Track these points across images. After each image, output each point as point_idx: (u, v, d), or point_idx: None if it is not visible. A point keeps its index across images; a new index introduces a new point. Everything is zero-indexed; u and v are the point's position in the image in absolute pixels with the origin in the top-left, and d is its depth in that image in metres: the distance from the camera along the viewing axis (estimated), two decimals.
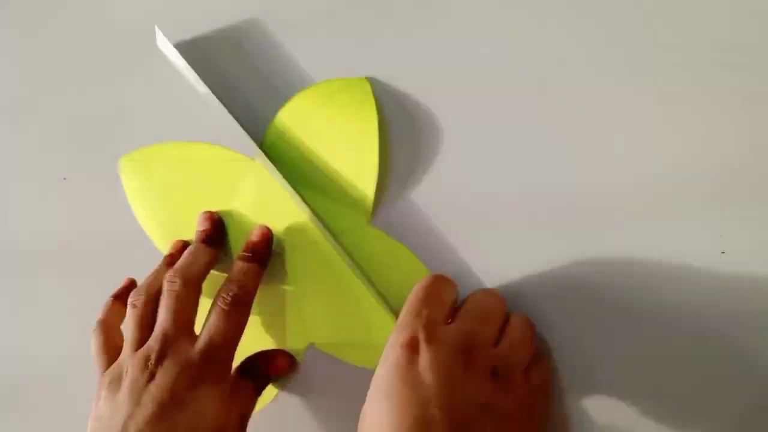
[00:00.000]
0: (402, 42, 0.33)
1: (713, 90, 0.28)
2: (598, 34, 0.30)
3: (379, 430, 0.25)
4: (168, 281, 0.32)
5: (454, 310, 0.29)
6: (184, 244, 0.35)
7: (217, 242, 0.35)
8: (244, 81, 0.36)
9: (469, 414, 0.25)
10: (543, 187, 0.30)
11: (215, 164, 0.36)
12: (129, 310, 0.32)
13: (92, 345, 0.33)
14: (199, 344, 0.30)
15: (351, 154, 0.33)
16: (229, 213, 0.35)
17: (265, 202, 0.35)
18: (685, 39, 0.28)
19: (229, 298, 0.31)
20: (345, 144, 0.34)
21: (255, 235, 0.34)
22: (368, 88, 0.33)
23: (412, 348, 0.26)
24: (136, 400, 0.28)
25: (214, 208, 0.36)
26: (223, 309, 0.31)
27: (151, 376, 0.28)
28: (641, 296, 0.29)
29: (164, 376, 0.28)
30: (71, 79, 0.40)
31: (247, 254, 0.33)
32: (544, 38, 0.30)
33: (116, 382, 0.29)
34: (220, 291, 0.31)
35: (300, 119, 0.35)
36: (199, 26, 0.38)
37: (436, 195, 0.32)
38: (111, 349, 0.32)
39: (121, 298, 0.34)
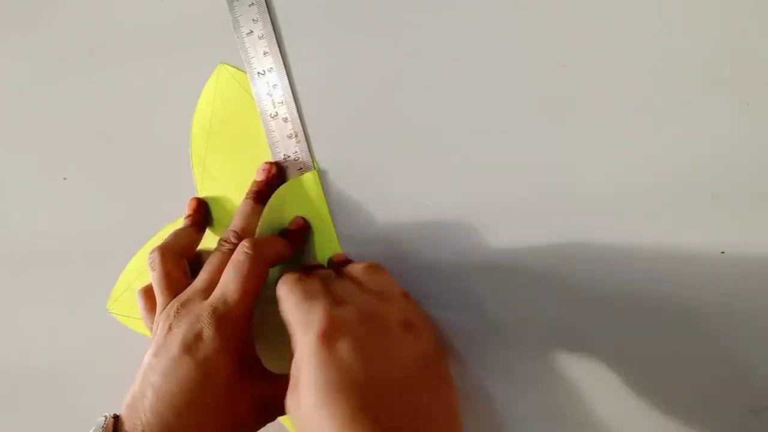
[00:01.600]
0: (399, 41, 0.34)
1: (713, 90, 0.28)
2: (598, 34, 0.30)
3: (326, 421, 0.24)
4: (221, 241, 0.33)
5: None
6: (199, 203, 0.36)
7: (266, 200, 0.35)
8: None
9: (403, 371, 0.26)
10: (542, 186, 0.30)
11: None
12: (150, 272, 0.34)
13: (139, 309, 0.35)
14: (210, 297, 0.30)
15: None
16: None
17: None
18: (685, 39, 0.28)
19: (245, 255, 0.31)
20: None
21: (292, 224, 0.34)
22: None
23: (325, 340, 0.26)
24: (156, 352, 0.29)
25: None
26: (239, 263, 0.31)
27: (170, 328, 0.30)
28: (641, 296, 0.29)
29: (178, 327, 0.29)
30: (71, 79, 0.40)
31: (255, 196, 0.34)
32: (544, 38, 0.30)
33: (153, 335, 0.31)
34: (243, 242, 0.31)
35: None
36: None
37: (426, 191, 0.32)
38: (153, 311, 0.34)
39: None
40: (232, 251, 0.32)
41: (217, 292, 0.30)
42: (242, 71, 0.35)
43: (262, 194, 0.34)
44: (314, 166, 0.34)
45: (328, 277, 0.30)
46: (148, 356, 0.30)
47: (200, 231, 0.36)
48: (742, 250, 0.27)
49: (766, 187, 0.27)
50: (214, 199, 0.37)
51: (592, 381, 0.30)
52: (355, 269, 0.30)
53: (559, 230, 0.30)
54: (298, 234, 0.34)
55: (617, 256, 0.29)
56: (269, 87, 0.35)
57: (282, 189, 0.35)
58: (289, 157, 0.35)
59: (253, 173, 0.35)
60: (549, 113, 0.30)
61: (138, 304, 0.34)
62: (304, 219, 0.35)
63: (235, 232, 0.33)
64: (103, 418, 0.29)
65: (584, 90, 0.30)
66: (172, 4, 0.38)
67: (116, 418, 0.29)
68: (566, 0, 0.30)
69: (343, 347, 0.25)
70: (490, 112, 0.31)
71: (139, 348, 0.35)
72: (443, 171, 0.32)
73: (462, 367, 0.32)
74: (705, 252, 0.28)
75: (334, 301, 0.28)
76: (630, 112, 0.29)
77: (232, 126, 0.36)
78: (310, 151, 0.34)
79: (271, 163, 0.35)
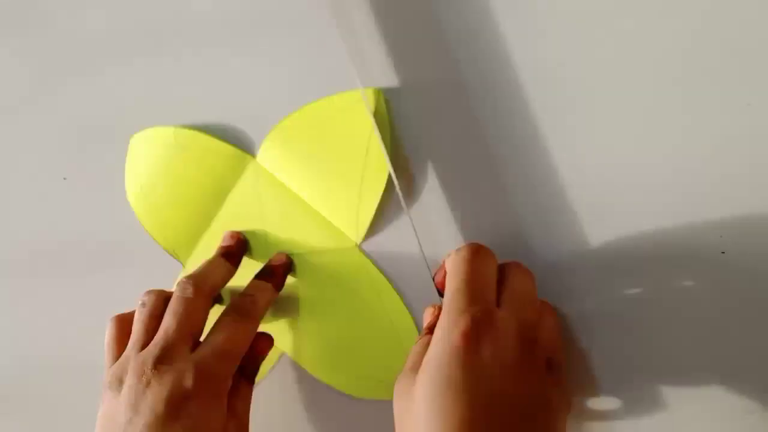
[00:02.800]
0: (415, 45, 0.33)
1: (714, 90, 0.28)
2: (598, 34, 0.30)
3: (438, 417, 0.23)
4: (180, 286, 0.31)
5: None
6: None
7: (237, 260, 0.34)
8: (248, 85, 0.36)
9: (533, 408, 0.24)
10: (542, 186, 0.30)
11: (218, 158, 0.36)
12: (138, 308, 0.32)
13: (106, 335, 0.33)
14: (198, 354, 0.29)
15: (356, 174, 0.32)
16: (253, 233, 0.35)
17: (261, 202, 0.35)
18: (685, 39, 0.28)
19: (237, 311, 0.31)
20: (347, 161, 0.33)
21: (274, 260, 0.34)
22: (369, 106, 0.32)
23: (472, 337, 0.24)
24: (135, 407, 0.28)
25: (209, 201, 0.36)
26: (228, 320, 0.30)
27: (148, 383, 0.28)
28: (640, 296, 0.29)
29: (159, 384, 0.28)
30: (71, 79, 0.40)
31: (265, 274, 0.33)
32: (545, 38, 0.30)
33: (118, 382, 0.29)
34: (230, 303, 0.31)
35: (298, 133, 0.34)
36: None
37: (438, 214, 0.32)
38: (122, 344, 0.32)
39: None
40: (198, 297, 0.31)
41: (204, 349, 0.29)
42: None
43: (230, 250, 0.34)
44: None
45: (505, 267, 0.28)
46: (123, 404, 0.28)
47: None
48: (742, 250, 0.27)
49: (767, 186, 0.27)
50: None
51: (592, 381, 0.30)
52: (514, 266, 0.28)
53: (559, 230, 0.30)
54: (281, 270, 0.34)
55: (617, 255, 0.29)
56: None
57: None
58: None
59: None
60: (548, 113, 0.30)
61: (108, 328, 0.33)
62: (286, 255, 0.34)
63: (196, 277, 0.32)
64: None
65: (584, 90, 0.30)
66: (173, 3, 0.38)
67: None
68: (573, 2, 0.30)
69: (487, 352, 0.24)
70: (494, 115, 0.31)
71: None
72: (461, 161, 0.32)
73: None
74: (705, 252, 0.28)
75: (500, 300, 0.26)
76: (630, 111, 0.29)
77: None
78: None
79: (237, 233, 0.35)
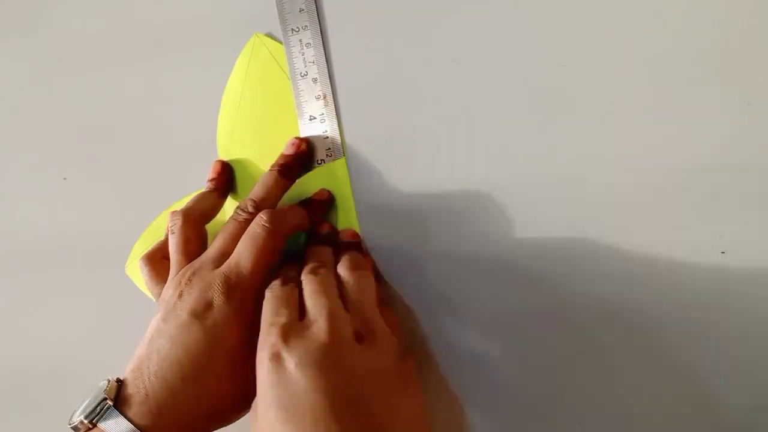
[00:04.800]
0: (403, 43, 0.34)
1: (713, 90, 0.28)
2: (597, 34, 0.30)
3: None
4: (237, 210, 0.32)
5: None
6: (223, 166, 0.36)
7: (292, 175, 0.34)
8: None
9: (355, 386, 0.26)
10: (542, 186, 0.30)
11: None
12: (169, 236, 0.33)
13: (143, 277, 0.34)
14: (223, 266, 0.30)
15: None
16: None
17: None
18: (685, 39, 0.28)
19: (261, 227, 0.31)
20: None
21: (288, 148, 0.34)
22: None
23: (277, 359, 0.26)
24: (165, 318, 0.29)
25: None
26: (255, 236, 0.31)
27: (180, 295, 0.30)
28: (641, 296, 0.29)
29: (188, 294, 0.29)
30: (72, 78, 0.40)
31: (280, 169, 0.34)
32: (545, 38, 0.30)
33: (161, 301, 0.31)
34: (258, 215, 0.32)
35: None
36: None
37: (424, 184, 0.32)
38: (161, 277, 0.34)
39: None
40: (248, 221, 0.32)
41: (230, 261, 0.30)
42: (278, 42, 0.35)
43: (288, 168, 0.34)
44: (343, 151, 0.34)
45: (311, 281, 0.30)
46: (155, 321, 0.30)
47: (223, 196, 0.36)
48: (742, 250, 0.27)
49: (766, 187, 0.27)
50: (238, 163, 0.36)
51: (592, 381, 0.30)
52: (343, 270, 0.30)
53: (559, 229, 0.30)
54: (320, 206, 0.34)
55: (617, 255, 0.29)
56: (302, 45, 0.34)
57: (307, 176, 0.34)
58: (314, 118, 0.34)
59: (281, 150, 0.35)
60: (548, 112, 0.30)
61: (141, 271, 0.34)
62: (329, 192, 0.34)
63: (253, 201, 0.32)
64: (106, 382, 0.29)
65: (584, 90, 0.30)
66: (172, 3, 0.38)
67: (119, 382, 0.29)
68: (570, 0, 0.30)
69: (291, 366, 0.26)
70: (488, 108, 0.31)
71: None
72: (462, 160, 0.32)
73: (461, 367, 0.32)
74: (705, 252, 0.28)
75: (299, 316, 0.28)
76: (630, 111, 0.29)
77: (263, 103, 0.35)
78: (337, 114, 0.34)
79: (300, 139, 0.34)
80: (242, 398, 0.29)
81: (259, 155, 0.36)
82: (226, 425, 0.30)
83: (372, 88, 0.34)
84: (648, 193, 0.29)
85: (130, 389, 0.28)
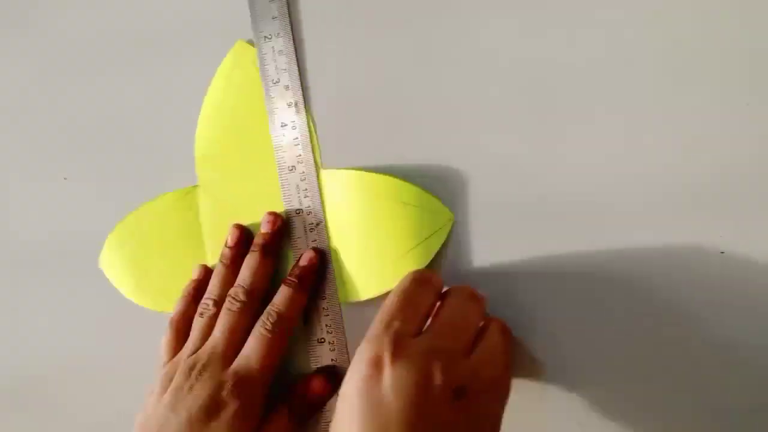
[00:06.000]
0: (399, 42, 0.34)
1: (713, 90, 0.28)
2: (597, 34, 0.30)
3: None
4: (229, 298, 0.33)
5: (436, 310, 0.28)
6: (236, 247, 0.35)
7: (275, 252, 0.34)
8: None
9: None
10: (542, 186, 0.30)
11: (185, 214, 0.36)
12: (196, 317, 0.33)
13: (163, 339, 0.34)
14: (234, 365, 0.31)
15: None
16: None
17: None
18: (685, 39, 0.28)
19: (269, 324, 0.31)
20: None
21: (303, 259, 0.33)
22: None
23: (377, 365, 0.25)
24: (173, 407, 0.30)
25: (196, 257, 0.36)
26: (262, 333, 0.31)
27: (191, 387, 0.30)
28: (641, 296, 0.29)
29: (200, 389, 0.30)
30: (71, 79, 0.40)
31: (293, 280, 0.33)
32: (544, 38, 0.30)
33: (167, 382, 0.31)
34: (262, 315, 0.32)
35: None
36: None
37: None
38: (178, 347, 0.34)
39: (193, 297, 0.35)
40: (243, 310, 0.32)
41: (240, 361, 0.31)
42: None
43: (268, 247, 0.34)
44: (315, 159, 0.34)
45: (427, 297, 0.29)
46: (160, 404, 0.30)
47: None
48: (742, 250, 0.27)
49: (766, 187, 0.27)
50: (218, 177, 0.36)
51: (593, 381, 0.30)
52: (457, 292, 0.29)
53: (559, 229, 0.30)
54: (309, 273, 0.33)
55: (617, 255, 0.29)
56: (274, 53, 0.34)
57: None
58: (285, 125, 0.34)
59: (263, 166, 0.35)
60: (548, 112, 0.30)
61: (166, 333, 0.34)
62: (316, 254, 0.33)
63: (243, 287, 0.33)
64: None
65: (583, 90, 0.30)
66: (172, 3, 0.38)
67: None
68: (567, 0, 0.30)
69: (388, 381, 0.25)
70: (487, 107, 0.31)
71: (140, 348, 0.35)
72: (443, 169, 0.32)
73: None
74: (705, 252, 0.28)
75: (427, 328, 0.27)
76: (630, 111, 0.29)
77: (244, 109, 0.35)
78: (309, 123, 0.34)
79: (275, 215, 0.34)
80: None
81: (238, 163, 0.36)
82: None
83: (349, 95, 0.34)
84: (647, 193, 0.29)
85: None
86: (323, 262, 0.34)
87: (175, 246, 0.36)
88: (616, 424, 0.29)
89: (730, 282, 0.28)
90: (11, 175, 0.42)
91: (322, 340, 0.34)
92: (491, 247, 0.31)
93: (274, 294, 0.33)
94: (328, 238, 0.34)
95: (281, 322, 0.31)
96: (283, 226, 0.34)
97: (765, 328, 0.27)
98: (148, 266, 0.37)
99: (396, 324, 0.26)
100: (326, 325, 0.34)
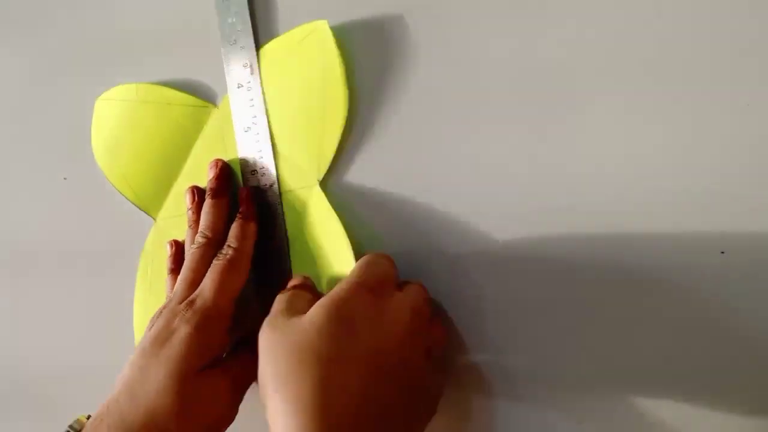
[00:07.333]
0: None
1: (713, 90, 0.28)
2: (597, 34, 0.30)
3: (329, 344, 0.26)
4: (192, 245, 0.34)
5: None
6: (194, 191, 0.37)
7: (223, 192, 0.36)
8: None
9: (408, 378, 0.27)
10: (542, 186, 0.30)
11: (181, 109, 0.37)
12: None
13: None
14: (190, 297, 0.32)
15: (316, 108, 0.34)
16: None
17: (226, 150, 0.36)
18: (685, 39, 0.28)
19: (221, 256, 0.33)
20: (311, 97, 0.34)
21: (242, 195, 0.35)
22: (329, 35, 0.33)
23: (376, 289, 0.28)
24: (139, 344, 0.31)
25: (175, 154, 0.37)
26: (215, 264, 0.33)
27: (152, 325, 0.32)
28: (641, 296, 0.29)
29: (159, 322, 0.31)
30: (72, 78, 0.40)
31: (238, 213, 0.35)
32: (544, 37, 0.30)
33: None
34: (220, 251, 0.33)
35: (268, 70, 0.35)
36: None
37: (407, 174, 0.32)
38: None
39: (173, 271, 0.36)
40: (205, 247, 0.33)
41: (196, 292, 0.32)
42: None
43: (215, 190, 0.35)
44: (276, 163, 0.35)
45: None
46: (136, 349, 0.31)
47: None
48: (742, 250, 0.27)
49: (766, 187, 0.27)
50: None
51: (593, 381, 0.30)
52: (411, 282, 0.31)
53: (559, 230, 0.30)
54: (251, 203, 0.35)
55: (617, 255, 0.29)
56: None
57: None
58: (249, 129, 0.35)
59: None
60: (547, 112, 0.30)
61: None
62: (247, 189, 0.35)
63: (201, 232, 0.34)
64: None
65: (583, 90, 0.30)
66: (173, 4, 0.38)
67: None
68: (567, 0, 0.30)
69: (384, 316, 0.27)
70: (483, 100, 0.31)
71: None
72: (447, 171, 0.32)
73: (461, 367, 0.32)
74: (705, 252, 0.28)
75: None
76: (630, 112, 0.29)
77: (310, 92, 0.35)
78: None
79: (216, 160, 0.36)
80: (218, 416, 0.31)
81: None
82: None
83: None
84: (647, 193, 0.29)
85: (94, 416, 0.29)
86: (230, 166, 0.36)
87: (165, 145, 0.37)
88: (616, 424, 0.29)
89: (730, 282, 0.28)
90: (11, 174, 0.42)
91: None
92: (491, 247, 0.31)
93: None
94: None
95: (234, 252, 0.33)
96: (225, 167, 0.36)
97: (765, 328, 0.27)
98: (135, 155, 0.37)
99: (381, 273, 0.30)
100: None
